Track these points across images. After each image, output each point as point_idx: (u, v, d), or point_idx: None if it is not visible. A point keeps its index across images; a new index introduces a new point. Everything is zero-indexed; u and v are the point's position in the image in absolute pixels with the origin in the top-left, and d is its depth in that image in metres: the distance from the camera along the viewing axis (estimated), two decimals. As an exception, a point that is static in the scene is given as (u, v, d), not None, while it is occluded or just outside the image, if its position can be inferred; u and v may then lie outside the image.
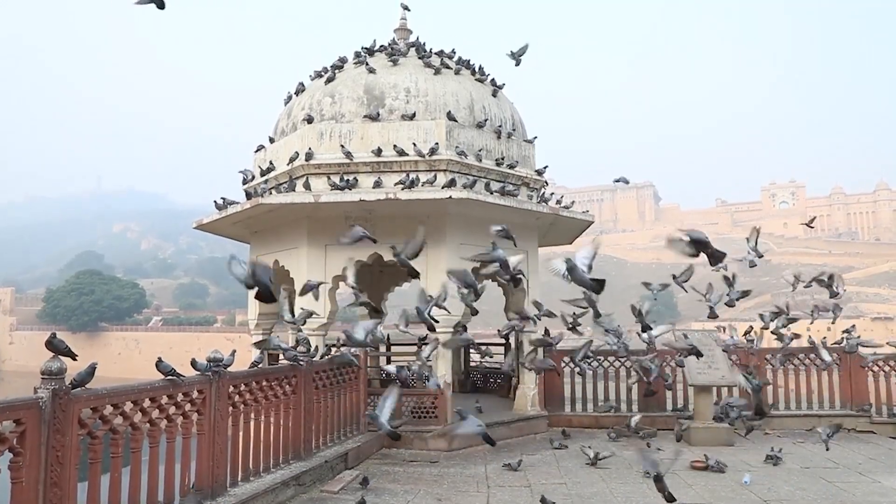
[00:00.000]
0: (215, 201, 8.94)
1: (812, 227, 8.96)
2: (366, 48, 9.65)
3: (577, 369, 8.90)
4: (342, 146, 8.36)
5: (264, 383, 5.96)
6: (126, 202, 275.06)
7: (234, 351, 5.58)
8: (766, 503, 5.77)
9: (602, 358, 9.79)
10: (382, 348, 11.24)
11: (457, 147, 8.46)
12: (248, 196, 9.00)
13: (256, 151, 9.75)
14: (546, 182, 9.90)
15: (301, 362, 6.44)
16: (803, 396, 9.59)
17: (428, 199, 7.74)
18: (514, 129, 9.46)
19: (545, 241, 10.68)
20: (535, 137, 9.92)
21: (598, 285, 3.88)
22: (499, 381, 11.48)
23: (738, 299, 6.52)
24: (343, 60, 9.59)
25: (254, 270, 3.74)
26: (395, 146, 8.28)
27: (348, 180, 7.99)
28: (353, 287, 6.29)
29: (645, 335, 6.03)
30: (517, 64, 8.57)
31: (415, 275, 7.41)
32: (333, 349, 7.67)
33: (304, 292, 6.22)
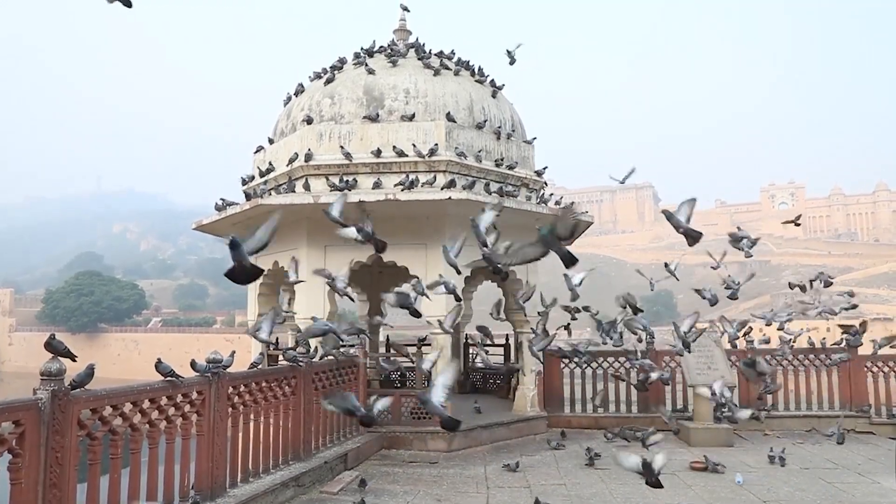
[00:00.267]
0: (216, 203, 8.95)
1: (798, 225, 8.94)
2: (365, 49, 9.66)
3: (574, 359, 8.97)
4: (341, 147, 8.37)
5: (264, 384, 5.96)
6: (126, 203, 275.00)
7: (234, 352, 5.57)
8: (766, 504, 5.78)
9: (602, 359, 9.80)
10: (382, 349, 11.25)
11: (456, 148, 8.47)
12: (248, 197, 9.00)
13: (256, 152, 9.76)
14: (545, 183, 9.91)
15: (300, 363, 6.45)
16: (803, 397, 9.60)
17: (427, 199, 7.74)
18: (513, 130, 9.47)
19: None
20: (535, 138, 9.93)
21: (572, 257, 3.57)
22: (498, 381, 11.48)
23: (737, 289, 6.57)
24: (342, 61, 9.60)
25: (233, 242, 3.11)
26: (394, 147, 8.28)
27: (348, 181, 7.99)
28: (331, 282, 5.95)
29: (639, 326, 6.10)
30: (512, 62, 8.58)
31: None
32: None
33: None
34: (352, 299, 6.10)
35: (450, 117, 8.54)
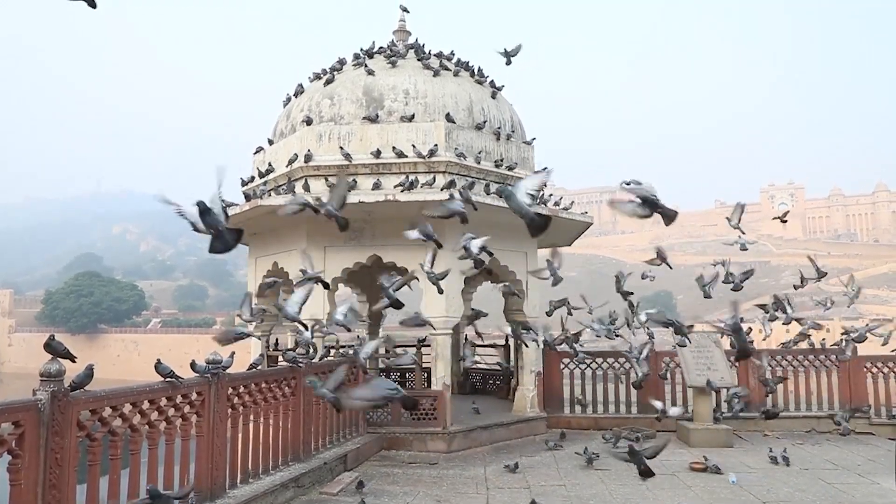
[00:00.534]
0: (215, 204, 8.93)
1: (785, 222, 8.93)
2: (364, 50, 9.66)
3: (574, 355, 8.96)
4: (341, 148, 8.37)
5: (263, 385, 5.96)
6: (125, 203, 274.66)
7: (234, 353, 5.56)
8: (766, 504, 5.77)
9: (602, 359, 9.80)
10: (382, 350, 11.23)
11: (456, 149, 8.47)
12: (248, 198, 9.00)
13: (255, 153, 9.76)
14: (545, 183, 9.90)
15: (300, 364, 6.44)
16: (802, 398, 9.60)
17: (427, 200, 7.74)
18: (513, 131, 9.47)
19: (544, 243, 10.68)
20: (534, 139, 9.93)
21: (541, 220, 3.32)
22: (498, 382, 11.48)
23: (742, 281, 6.58)
24: (342, 62, 9.60)
25: (201, 209, 2.76)
26: (394, 148, 8.28)
27: (347, 182, 7.99)
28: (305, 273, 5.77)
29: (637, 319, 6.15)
30: (508, 63, 8.56)
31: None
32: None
33: (300, 283, 5.80)
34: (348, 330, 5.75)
35: (449, 118, 8.54)
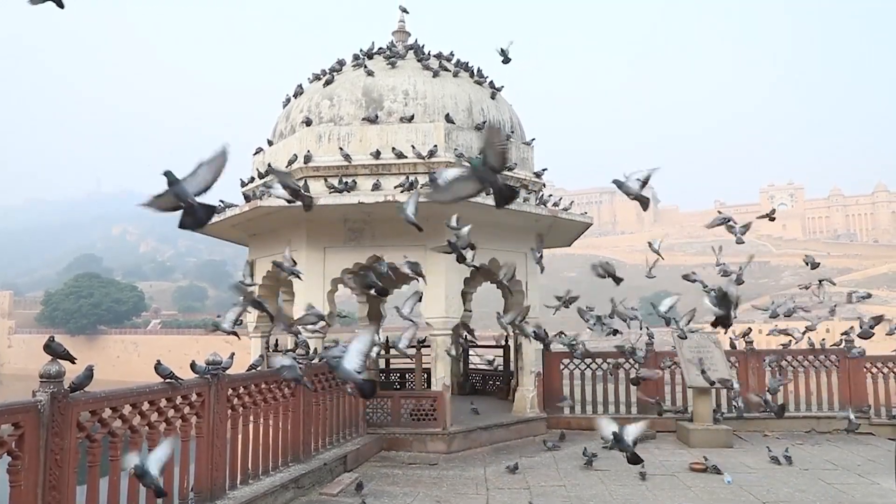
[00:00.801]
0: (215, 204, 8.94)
1: (773, 220, 8.94)
2: (364, 51, 9.66)
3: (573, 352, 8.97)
4: (341, 149, 8.37)
5: (263, 386, 5.96)
6: (125, 204, 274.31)
7: (233, 354, 5.57)
8: (766, 505, 5.77)
9: (601, 360, 9.80)
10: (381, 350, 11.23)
11: (455, 149, 8.46)
12: (247, 199, 9.00)
13: (255, 154, 9.76)
14: (544, 184, 9.90)
15: (299, 364, 6.43)
16: (802, 398, 9.60)
17: (426, 201, 7.74)
18: (512, 132, 9.47)
19: (544, 243, 10.70)
20: (534, 139, 9.93)
21: (508, 190, 3.18)
22: (498, 383, 11.48)
23: (743, 234, 6.70)
24: (341, 63, 9.60)
25: (170, 180, 2.55)
26: (393, 149, 8.28)
27: (347, 183, 7.99)
28: (243, 283, 5.87)
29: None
30: (505, 62, 8.54)
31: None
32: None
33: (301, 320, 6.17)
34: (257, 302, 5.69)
35: (449, 119, 8.54)
